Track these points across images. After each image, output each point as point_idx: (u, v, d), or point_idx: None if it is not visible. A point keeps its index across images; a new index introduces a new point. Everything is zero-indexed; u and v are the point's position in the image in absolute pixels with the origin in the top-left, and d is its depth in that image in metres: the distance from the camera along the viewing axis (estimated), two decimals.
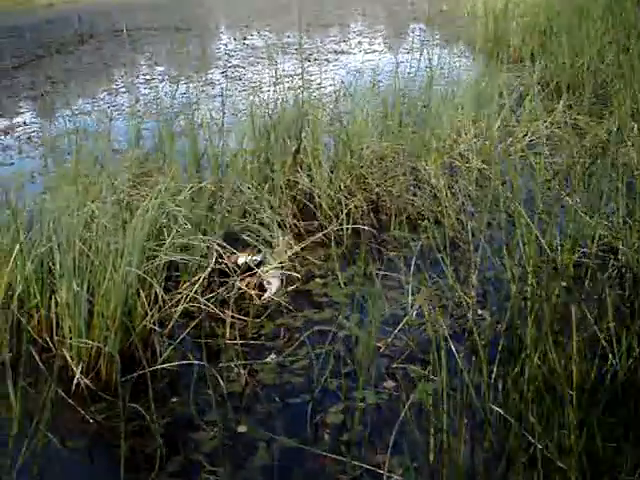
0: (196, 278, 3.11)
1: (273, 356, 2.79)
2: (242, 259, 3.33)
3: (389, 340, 2.83)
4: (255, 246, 3.42)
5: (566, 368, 2.22)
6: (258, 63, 10.09)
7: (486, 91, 5.43)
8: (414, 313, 2.89)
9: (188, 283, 3.12)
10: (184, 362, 2.67)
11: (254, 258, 3.36)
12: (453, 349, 2.39)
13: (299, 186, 3.99)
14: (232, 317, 3.01)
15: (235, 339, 2.91)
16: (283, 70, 5.27)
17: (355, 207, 3.91)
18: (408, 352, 2.75)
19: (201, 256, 3.19)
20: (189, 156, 4.18)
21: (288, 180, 3.98)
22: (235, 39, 13.72)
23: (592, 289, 2.59)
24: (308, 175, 3.98)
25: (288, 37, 12.59)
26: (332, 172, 4.04)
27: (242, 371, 2.71)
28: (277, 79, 4.84)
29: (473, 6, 11.25)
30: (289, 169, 4.02)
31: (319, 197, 3.91)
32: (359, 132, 4.29)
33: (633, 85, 5.05)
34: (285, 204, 3.89)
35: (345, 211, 3.82)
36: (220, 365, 2.74)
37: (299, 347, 2.83)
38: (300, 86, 4.69)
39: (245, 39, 13.47)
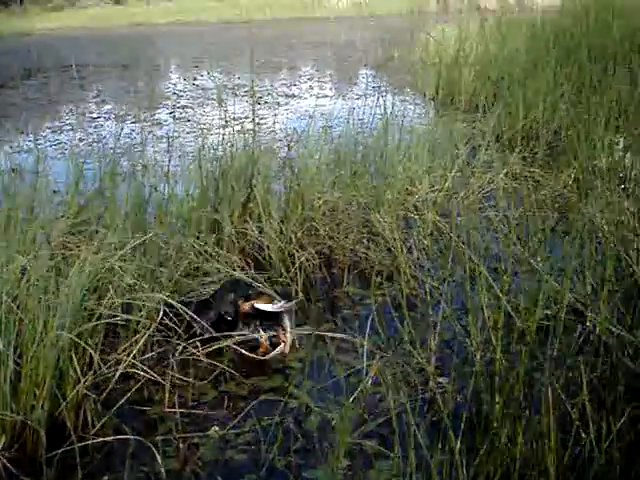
0: (136, 338, 2.88)
1: (216, 428, 2.56)
2: (264, 305, 3.11)
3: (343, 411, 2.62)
4: (270, 294, 3.22)
5: (536, 451, 2.05)
6: (207, 104, 9.91)
7: (440, 140, 5.34)
8: (369, 381, 2.69)
9: (131, 343, 2.88)
10: (117, 437, 2.42)
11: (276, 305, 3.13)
12: (412, 422, 2.21)
13: (248, 237, 3.78)
14: (173, 381, 2.77)
15: (174, 407, 2.67)
16: (233, 112, 5.10)
17: (307, 260, 3.72)
18: (363, 425, 2.55)
19: (146, 314, 2.95)
20: (132, 202, 3.95)
21: (236, 231, 3.77)
22: (185, 79, 13.57)
23: (560, 358, 2.42)
24: (258, 226, 3.77)
25: (238, 79, 12.46)
26: (283, 223, 3.84)
27: (181, 445, 2.47)
28: (226, 122, 4.67)
29: (424, 53, 11.26)
30: (238, 219, 3.81)
31: (269, 249, 3.71)
32: (311, 181, 4.12)
33: (586, 138, 4.99)
34: (233, 256, 3.68)
35: (297, 264, 3.63)
36: (158, 438, 2.49)
37: (245, 418, 2.60)
38: (250, 129, 4.52)
39: (195, 79, 13.33)
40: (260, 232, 3.76)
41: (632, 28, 7.98)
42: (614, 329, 2.41)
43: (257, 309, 3.10)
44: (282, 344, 3.04)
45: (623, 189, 3.59)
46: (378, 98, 5.32)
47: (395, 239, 3.81)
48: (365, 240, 3.91)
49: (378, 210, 4.11)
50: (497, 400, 2.27)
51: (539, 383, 2.33)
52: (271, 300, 3.15)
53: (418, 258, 3.91)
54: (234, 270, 3.54)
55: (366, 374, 2.72)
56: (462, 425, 2.23)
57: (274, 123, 8.03)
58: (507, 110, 6.55)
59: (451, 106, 8.00)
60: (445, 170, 4.90)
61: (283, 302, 3.12)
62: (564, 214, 4.36)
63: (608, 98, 5.58)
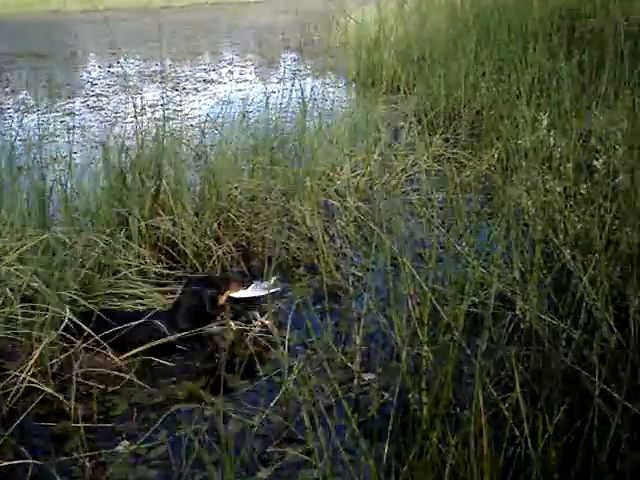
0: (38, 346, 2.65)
1: (126, 443, 2.35)
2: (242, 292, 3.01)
3: (264, 416, 2.44)
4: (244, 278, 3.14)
5: (469, 454, 1.91)
6: (123, 92, 9.56)
7: (361, 124, 5.19)
8: (290, 382, 2.52)
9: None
10: (13, 462, 2.20)
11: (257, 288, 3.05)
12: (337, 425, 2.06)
13: (161, 231, 3.55)
14: (78, 394, 2.55)
15: (80, 421, 2.45)
16: (148, 100, 4.87)
17: (224, 254, 3.52)
18: (286, 431, 2.38)
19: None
20: (34, 198, 3.67)
21: (148, 225, 3.54)
22: (100, 67, 13.11)
23: (490, 350, 2.29)
24: (171, 219, 3.55)
25: (156, 65, 12.11)
26: (197, 215, 3.63)
27: (87, 464, 2.26)
28: (141, 109, 4.42)
29: (344, 36, 11.10)
30: (149, 212, 3.58)
31: (183, 243, 3.50)
32: (227, 170, 3.91)
33: (508, 117, 4.90)
34: (144, 251, 3.46)
35: (213, 258, 3.44)
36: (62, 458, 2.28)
37: (157, 431, 2.40)
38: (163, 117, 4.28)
39: (111, 67, 12.88)
40: (174, 224, 3.53)
41: (552, 7, 7.95)
42: (545, 317, 2.29)
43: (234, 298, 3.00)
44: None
45: (549, 168, 3.48)
46: (298, 82, 5.13)
47: (316, 227, 3.65)
48: (285, 230, 3.72)
49: (298, 198, 3.93)
50: (425, 400, 2.12)
51: (469, 378, 2.20)
52: (242, 284, 3.05)
53: (341, 247, 3.76)
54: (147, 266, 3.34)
55: (289, 374, 2.56)
56: (390, 427, 2.09)
57: (191, 110, 7.81)
58: (428, 91, 6.44)
59: (372, 88, 7.88)
60: (367, 154, 4.76)
61: (258, 282, 3.08)
62: (490, 196, 4.27)
63: (529, 76, 5.51)
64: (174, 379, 2.72)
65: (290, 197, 3.96)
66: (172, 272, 3.46)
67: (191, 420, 2.40)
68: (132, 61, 13.25)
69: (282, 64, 11.57)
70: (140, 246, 3.42)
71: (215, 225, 3.63)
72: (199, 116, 6.94)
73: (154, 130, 4.08)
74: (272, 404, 2.47)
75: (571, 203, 3.08)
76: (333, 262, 3.51)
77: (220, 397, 2.50)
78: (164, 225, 3.51)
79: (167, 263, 3.51)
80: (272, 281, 3.10)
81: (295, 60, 11.59)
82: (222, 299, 2.99)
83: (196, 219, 3.57)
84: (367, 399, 2.51)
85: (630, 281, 2.49)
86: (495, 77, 6.20)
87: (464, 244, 3.14)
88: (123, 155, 3.79)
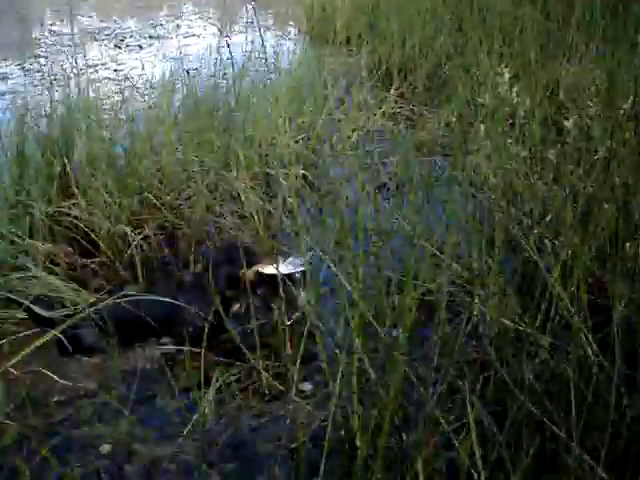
0: None
1: None
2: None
3: (176, 448, 2.03)
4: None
5: None
6: (63, 52, 8.94)
7: (308, 80, 4.71)
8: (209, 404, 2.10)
9: None
10: None
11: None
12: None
13: (70, 218, 3.07)
14: None
15: None
16: (89, 59, 4.37)
17: (145, 239, 3.07)
18: (203, 460, 1.97)
19: None
20: None
21: (55, 212, 3.06)
22: (42, 25, 12.39)
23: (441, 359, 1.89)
24: (76, 203, 3.07)
25: (101, 22, 11.45)
26: (112, 196, 3.14)
27: None
28: (79, 71, 3.92)
29: None
30: (57, 197, 3.10)
31: (95, 232, 3.03)
32: (151, 140, 3.44)
33: (468, 70, 4.46)
34: (54, 241, 3.00)
35: (132, 245, 2.99)
36: None
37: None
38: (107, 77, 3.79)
39: (53, 25, 12.17)
40: (85, 210, 3.06)
41: None
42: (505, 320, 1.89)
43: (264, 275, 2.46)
44: None
45: (511, 127, 3.06)
46: (248, 36, 4.64)
47: (252, 203, 3.21)
48: (217, 207, 3.28)
49: (232, 169, 3.47)
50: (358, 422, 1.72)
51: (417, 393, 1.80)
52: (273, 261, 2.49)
53: (282, 223, 3.33)
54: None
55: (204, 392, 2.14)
56: (324, 452, 1.70)
57: (132, 69, 7.27)
58: (383, 42, 5.96)
59: (326, 40, 7.37)
60: (314, 114, 4.30)
61: (293, 259, 2.53)
62: (448, 157, 3.84)
63: (490, 24, 5.05)
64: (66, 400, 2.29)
65: (224, 168, 3.51)
66: (88, 263, 3.01)
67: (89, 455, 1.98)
68: (78, 19, 12.53)
69: (235, 17, 10.96)
70: (45, 240, 2.94)
71: (137, 206, 3.16)
72: (139, 76, 6.43)
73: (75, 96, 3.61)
74: (185, 432, 2.05)
75: (537, 170, 2.67)
76: (269, 244, 3.08)
77: (123, 422, 2.08)
78: (76, 210, 3.03)
79: (81, 254, 3.04)
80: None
81: (248, 12, 10.99)
82: (248, 275, 2.48)
83: (111, 200, 3.09)
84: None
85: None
86: (454, 25, 5.73)
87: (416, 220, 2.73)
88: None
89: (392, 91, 4.84)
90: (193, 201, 3.26)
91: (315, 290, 2.34)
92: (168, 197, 3.24)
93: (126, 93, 4.32)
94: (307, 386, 2.25)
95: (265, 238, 3.09)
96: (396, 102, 4.75)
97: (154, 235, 3.11)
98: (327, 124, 4.30)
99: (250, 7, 11.02)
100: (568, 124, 2.63)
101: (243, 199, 3.30)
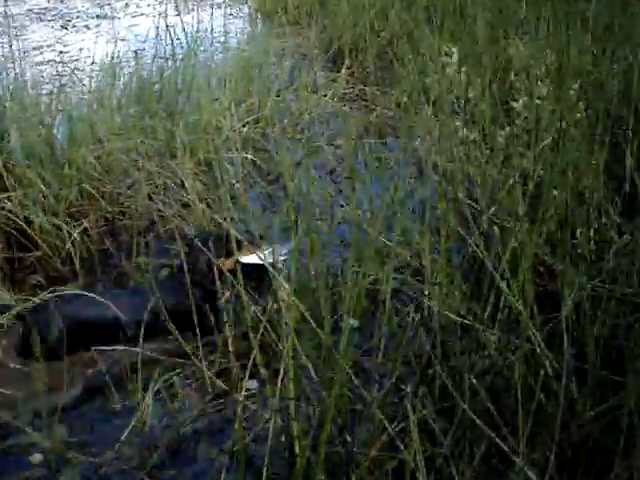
0: None
1: None
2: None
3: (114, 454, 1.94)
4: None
5: None
6: (5, 34, 8.67)
7: (256, 60, 4.58)
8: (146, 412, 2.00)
9: None
10: None
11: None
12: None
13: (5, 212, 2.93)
14: None
15: None
16: (34, 41, 4.19)
17: (85, 231, 2.95)
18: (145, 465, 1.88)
19: None
20: None
21: None
22: None
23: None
24: (10, 196, 2.93)
25: (49, 2, 11.13)
26: (50, 187, 3.00)
27: None
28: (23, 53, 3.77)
29: None
30: None
31: (31, 227, 2.89)
32: (90, 128, 3.30)
33: (417, 50, 4.36)
34: None
35: (72, 239, 2.86)
36: None
37: None
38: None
39: None
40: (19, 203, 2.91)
41: None
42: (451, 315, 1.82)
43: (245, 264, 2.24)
44: None
45: (460, 109, 2.97)
46: (197, 14, 4.50)
47: (196, 191, 3.11)
48: (160, 196, 3.16)
49: (177, 155, 3.35)
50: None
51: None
52: (257, 245, 2.36)
53: (229, 210, 3.23)
54: None
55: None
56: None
57: (78, 50, 7.05)
58: (334, 20, 5.82)
59: (277, 19, 7.21)
60: (262, 96, 4.18)
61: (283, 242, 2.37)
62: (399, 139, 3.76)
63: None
64: None
65: (169, 156, 3.39)
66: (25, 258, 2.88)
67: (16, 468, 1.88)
68: None
69: None
70: None
71: (74, 198, 3.03)
72: (85, 58, 6.23)
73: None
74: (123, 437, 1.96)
75: (487, 153, 2.60)
76: (218, 232, 2.97)
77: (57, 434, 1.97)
78: (9, 204, 2.89)
79: (19, 250, 2.91)
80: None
81: None
82: (227, 265, 2.33)
83: (48, 192, 2.95)
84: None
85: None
86: (405, 2, 5.61)
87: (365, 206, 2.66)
88: None
89: (343, 71, 4.74)
90: (134, 190, 3.14)
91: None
92: (107, 187, 3.10)
93: (67, 77, 4.18)
94: (253, 384, 2.15)
95: (209, 226, 2.98)
96: (347, 82, 4.65)
97: (95, 227, 2.99)
98: (276, 106, 4.20)
99: None
100: (517, 106, 2.56)
101: (187, 186, 3.18)
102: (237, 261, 2.26)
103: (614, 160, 2.71)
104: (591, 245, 2.27)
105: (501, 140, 2.52)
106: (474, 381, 1.52)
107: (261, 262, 2.08)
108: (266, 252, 2.26)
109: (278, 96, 4.26)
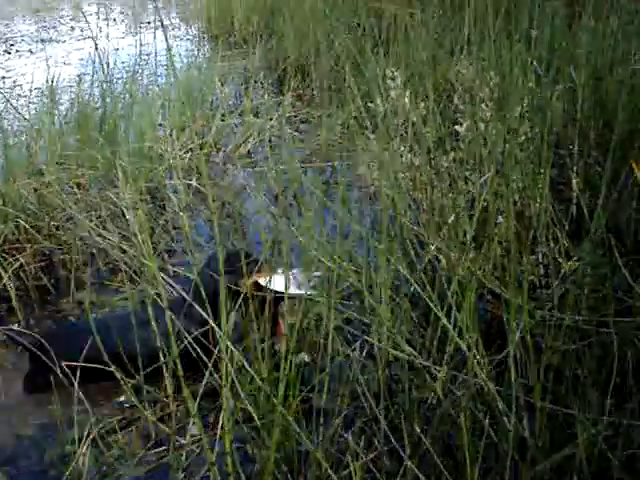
0: None
1: None
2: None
3: None
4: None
5: None
6: None
7: (202, 83, 4.51)
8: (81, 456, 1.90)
9: None
10: None
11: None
12: None
13: None
14: None
15: None
16: None
17: (21, 266, 2.84)
18: None
19: None
20: None
21: None
22: None
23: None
24: None
25: None
26: None
27: None
28: None
29: None
30: None
31: None
32: (26, 159, 3.20)
33: (362, 72, 4.30)
34: None
35: (5, 277, 2.75)
36: None
37: None
38: None
39: None
40: None
41: None
42: (398, 351, 1.75)
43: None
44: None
45: (405, 133, 2.92)
46: (142, 36, 4.42)
47: (137, 222, 3.00)
48: (99, 228, 3.05)
49: (122, 185, 3.25)
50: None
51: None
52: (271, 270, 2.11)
53: (173, 240, 3.15)
54: None
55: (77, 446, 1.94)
56: None
57: (21, 75, 6.92)
58: (280, 42, 5.78)
59: (223, 40, 7.15)
60: (205, 121, 4.11)
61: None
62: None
63: (386, 21, 4.92)
64: None
65: (110, 184, 3.29)
66: None
67: None
68: None
69: (130, 16, 10.60)
70: None
71: (9, 232, 2.92)
72: (27, 83, 6.11)
73: None
74: None
75: (432, 178, 2.55)
76: (160, 264, 2.89)
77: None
78: None
79: None
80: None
81: (146, 11, 10.65)
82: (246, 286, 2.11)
83: None
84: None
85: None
86: (352, 23, 5.58)
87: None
88: None
89: (289, 93, 4.68)
90: (72, 223, 3.03)
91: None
92: (44, 221, 2.99)
93: (3, 104, 4.06)
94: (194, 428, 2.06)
95: (151, 259, 2.88)
96: (293, 106, 4.60)
97: (32, 263, 2.88)
98: (221, 131, 4.13)
99: (153, 6, 10.74)
100: (461, 129, 2.52)
101: (128, 217, 3.09)
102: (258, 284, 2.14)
103: (560, 182, 2.69)
104: (539, 270, 2.24)
105: (445, 164, 2.47)
106: (417, 429, 1.45)
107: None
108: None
109: (223, 120, 4.19)
